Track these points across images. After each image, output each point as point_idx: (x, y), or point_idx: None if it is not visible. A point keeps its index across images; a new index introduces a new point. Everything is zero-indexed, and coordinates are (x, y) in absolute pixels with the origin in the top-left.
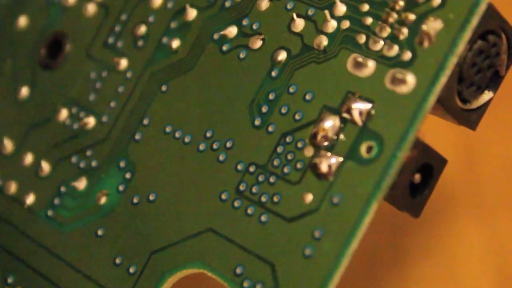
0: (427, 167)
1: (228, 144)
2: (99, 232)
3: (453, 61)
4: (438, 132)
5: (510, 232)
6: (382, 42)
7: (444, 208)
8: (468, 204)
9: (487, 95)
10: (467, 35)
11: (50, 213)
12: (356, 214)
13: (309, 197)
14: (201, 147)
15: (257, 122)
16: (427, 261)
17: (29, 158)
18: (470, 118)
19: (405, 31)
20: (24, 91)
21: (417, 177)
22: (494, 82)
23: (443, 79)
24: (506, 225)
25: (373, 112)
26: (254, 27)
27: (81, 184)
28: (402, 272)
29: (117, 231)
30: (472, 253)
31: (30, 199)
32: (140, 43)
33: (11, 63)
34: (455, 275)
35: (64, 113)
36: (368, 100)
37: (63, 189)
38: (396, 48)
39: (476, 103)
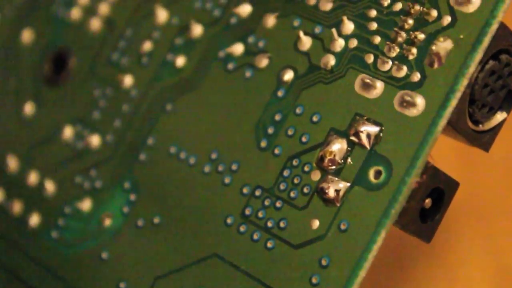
0: (438, 191)
1: (234, 167)
2: (103, 256)
3: (464, 83)
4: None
5: (509, 232)
6: (390, 63)
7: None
8: (468, 204)
9: (500, 116)
10: (479, 55)
11: (54, 234)
12: (364, 242)
13: (316, 223)
14: (206, 169)
15: (263, 144)
16: (427, 261)
17: (33, 177)
18: (482, 140)
19: (414, 51)
20: (28, 108)
21: (428, 202)
22: (507, 102)
23: (453, 102)
24: (506, 225)
25: (381, 135)
26: (260, 45)
27: (85, 205)
28: (402, 272)
29: (121, 255)
30: (472, 253)
31: (34, 220)
32: (144, 60)
33: (15, 79)
34: (455, 275)
35: (68, 131)
36: (376, 123)
37: (67, 210)
38: (405, 69)
39: (489, 124)
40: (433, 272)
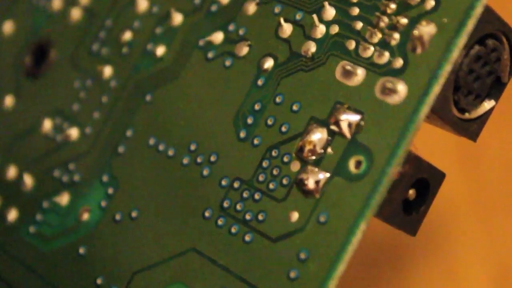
0: (423, 182)
1: (213, 158)
2: (81, 251)
3: (447, 69)
4: (437, 134)
5: (510, 232)
6: (372, 49)
7: (444, 208)
8: (468, 204)
9: (488, 104)
10: (462, 40)
11: (32, 230)
12: (343, 234)
13: (295, 216)
14: (185, 161)
15: (242, 134)
16: (427, 261)
17: (12, 171)
18: (469, 129)
19: (396, 36)
20: (8, 100)
21: (412, 193)
22: (495, 89)
23: (436, 88)
24: (506, 225)
25: (362, 123)
26: (241, 32)
27: (64, 199)
28: (402, 272)
29: (99, 250)
30: (472, 253)
31: (12, 215)
32: (125, 50)
33: None
34: (455, 275)
35: (47, 124)
36: (357, 111)
37: (45, 204)
38: (387, 55)
39: (476, 112)
40: (433, 272)
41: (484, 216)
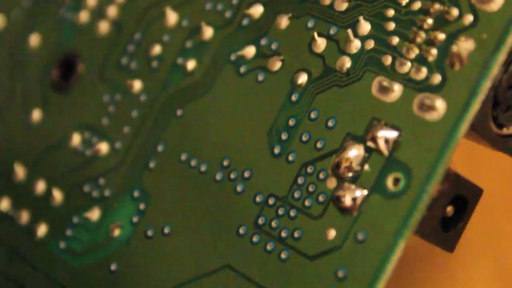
0: (460, 198)
1: (246, 174)
2: (112, 267)
3: (486, 85)
4: None
5: (510, 233)
6: (409, 64)
7: None
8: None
9: None
10: (502, 56)
11: (62, 245)
12: (382, 253)
13: (332, 233)
14: (218, 176)
15: (276, 150)
16: (427, 261)
17: (41, 186)
18: (508, 144)
19: (434, 52)
20: (36, 114)
21: (450, 209)
22: None
23: (476, 105)
24: (507, 225)
25: (400, 140)
26: (273, 47)
27: (94, 214)
28: (402, 272)
29: (130, 267)
30: (472, 253)
31: (42, 230)
32: (154, 64)
33: (21, 86)
34: (455, 275)
35: (76, 138)
36: (394, 127)
37: (75, 219)
38: (424, 71)
39: None
40: (433, 272)
41: (484, 216)
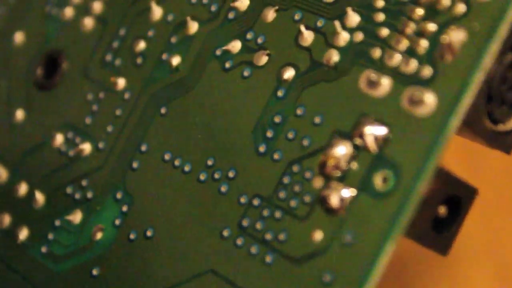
0: (454, 198)
1: (231, 174)
2: (94, 272)
3: (479, 77)
4: None
5: (510, 232)
6: (399, 56)
7: None
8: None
9: None
10: (495, 47)
11: (44, 249)
12: (370, 255)
13: (318, 236)
14: (202, 177)
15: (261, 148)
16: (427, 261)
17: (23, 188)
18: (504, 141)
19: (424, 43)
20: (19, 114)
21: (443, 210)
22: None
23: (468, 99)
24: (507, 225)
25: (389, 137)
26: (259, 41)
27: (76, 217)
28: (402, 272)
29: (113, 271)
30: (472, 253)
31: (23, 233)
32: (139, 60)
33: (5, 84)
34: (455, 275)
35: (59, 138)
36: (383, 123)
37: (57, 223)
38: (414, 63)
39: (510, 123)
40: (433, 272)
41: (484, 216)
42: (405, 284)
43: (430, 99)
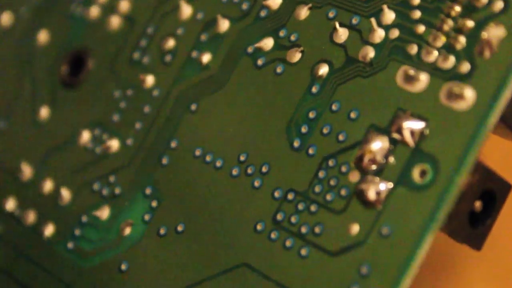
0: (488, 193)
1: (264, 169)
2: (123, 267)
3: None
4: None
5: (510, 232)
6: (436, 53)
7: None
8: None
9: None
10: None
11: (70, 245)
12: (408, 248)
13: (355, 228)
14: (234, 172)
15: (296, 143)
16: (426, 261)
17: (48, 185)
18: None
19: (462, 39)
20: (44, 112)
21: (478, 205)
22: None
23: (507, 93)
24: (507, 225)
25: (426, 131)
26: (292, 38)
27: (104, 213)
28: None
29: (142, 266)
30: (472, 253)
31: (49, 230)
32: (167, 58)
33: (30, 82)
34: (455, 275)
35: (86, 136)
36: (421, 118)
37: (84, 219)
38: (452, 59)
39: None
40: (433, 272)
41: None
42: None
43: (469, 93)
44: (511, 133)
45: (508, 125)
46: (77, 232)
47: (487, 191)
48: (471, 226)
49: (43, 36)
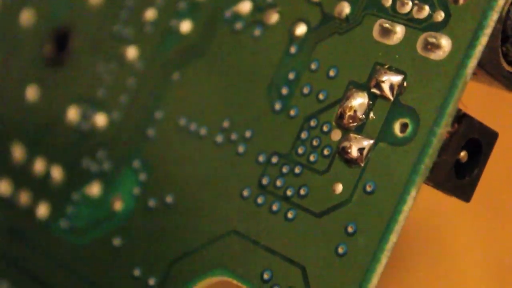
0: (474, 143)
1: (247, 134)
2: (116, 242)
3: (493, 18)
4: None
5: (510, 232)
6: (410, 3)
7: (443, 207)
8: (469, 204)
9: None
10: None
11: (63, 223)
12: (393, 203)
13: (339, 187)
14: (218, 139)
15: (277, 106)
16: (426, 261)
17: (39, 165)
18: None
19: None
20: (31, 91)
21: (463, 155)
22: None
23: (483, 39)
24: (507, 225)
25: (405, 84)
26: None
27: (94, 189)
28: (401, 272)
29: (134, 240)
30: (472, 253)
31: (42, 210)
32: (148, 28)
33: (16, 62)
34: (455, 276)
35: (72, 112)
36: (399, 71)
37: (75, 196)
38: (426, 9)
39: None
40: (433, 272)
41: (484, 216)
42: (404, 284)
43: (444, 42)
44: (492, 79)
45: (488, 72)
46: (69, 210)
47: (473, 140)
48: (457, 177)
49: (26, 15)
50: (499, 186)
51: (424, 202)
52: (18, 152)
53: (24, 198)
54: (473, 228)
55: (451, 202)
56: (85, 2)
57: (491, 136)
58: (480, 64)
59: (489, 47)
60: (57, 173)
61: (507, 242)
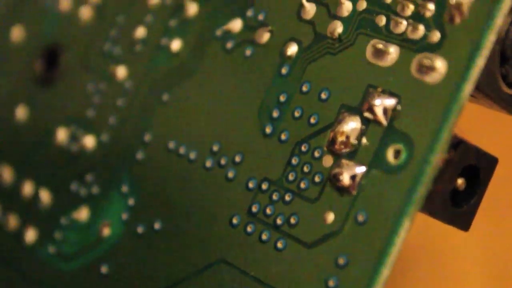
0: (472, 169)
1: (237, 159)
2: (103, 270)
3: (491, 38)
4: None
5: (510, 232)
6: (405, 23)
7: None
8: None
9: None
10: (507, 4)
11: (51, 249)
12: (385, 234)
13: (331, 217)
14: (208, 164)
15: (268, 130)
16: (426, 261)
17: (28, 188)
18: None
19: (431, 6)
20: (20, 110)
21: (461, 182)
22: None
23: (479, 61)
24: (507, 225)
25: (399, 108)
26: (260, 17)
27: (83, 214)
28: (401, 272)
29: (122, 268)
30: (472, 253)
31: (29, 235)
32: (138, 47)
33: (5, 81)
34: (455, 276)
35: (62, 133)
36: (392, 94)
37: (63, 221)
38: (421, 29)
39: None
40: (433, 272)
41: (484, 216)
42: (404, 284)
43: (440, 65)
44: (494, 104)
45: (487, 95)
46: (58, 235)
47: (471, 167)
48: (454, 205)
49: (16, 32)
50: (499, 186)
51: None
52: (6, 174)
53: (12, 222)
54: (473, 228)
55: None
56: (76, 19)
57: (490, 162)
58: (478, 87)
59: (487, 69)
60: (45, 196)
61: (507, 242)
